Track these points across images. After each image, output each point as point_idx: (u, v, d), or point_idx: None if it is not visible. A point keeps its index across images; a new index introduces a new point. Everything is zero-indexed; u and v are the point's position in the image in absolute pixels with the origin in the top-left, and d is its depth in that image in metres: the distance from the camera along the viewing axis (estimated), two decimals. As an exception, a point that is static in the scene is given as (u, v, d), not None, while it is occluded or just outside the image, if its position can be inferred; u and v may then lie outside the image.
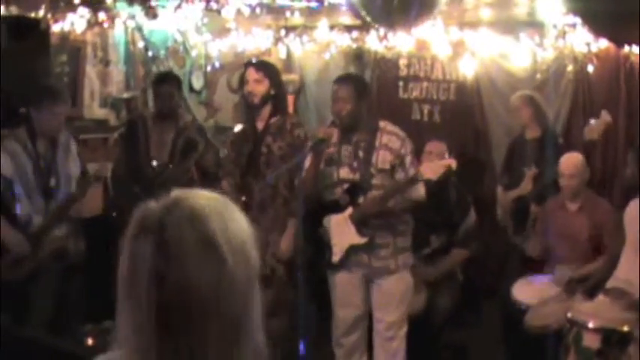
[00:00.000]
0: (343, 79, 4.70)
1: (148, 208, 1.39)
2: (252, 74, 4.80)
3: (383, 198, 4.44)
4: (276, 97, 4.87)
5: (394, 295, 4.59)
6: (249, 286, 1.37)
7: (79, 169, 5.13)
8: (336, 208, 4.55)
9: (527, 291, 4.88)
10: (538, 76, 6.29)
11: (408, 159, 4.51)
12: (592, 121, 5.24)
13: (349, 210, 4.49)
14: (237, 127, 5.31)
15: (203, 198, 1.40)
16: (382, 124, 4.60)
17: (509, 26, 6.09)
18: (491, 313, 5.45)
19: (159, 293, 1.30)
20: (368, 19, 4.56)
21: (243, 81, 4.97)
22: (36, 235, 4.86)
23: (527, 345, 4.60)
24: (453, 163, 4.36)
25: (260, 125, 4.88)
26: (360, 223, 4.48)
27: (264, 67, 4.93)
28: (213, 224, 1.34)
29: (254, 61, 5.28)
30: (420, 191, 4.46)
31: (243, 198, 4.78)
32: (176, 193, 1.41)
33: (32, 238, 4.84)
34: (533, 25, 5.86)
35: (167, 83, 5.59)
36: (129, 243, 1.37)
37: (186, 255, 1.31)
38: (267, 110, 4.86)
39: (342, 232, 4.50)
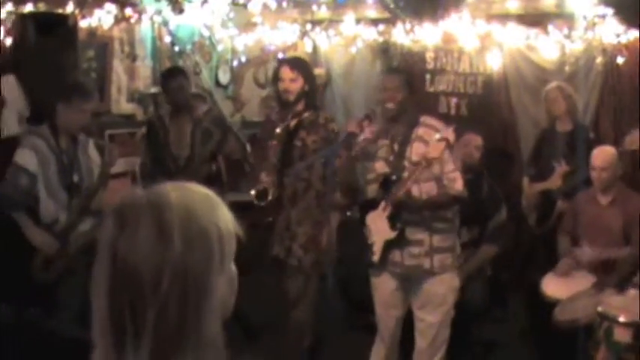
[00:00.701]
0: (392, 70, 4.68)
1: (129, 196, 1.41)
2: (286, 72, 4.81)
3: (404, 181, 4.28)
4: (309, 92, 4.89)
5: (432, 297, 4.36)
6: (204, 280, 1.36)
7: (97, 166, 5.16)
8: (373, 204, 4.45)
9: (556, 285, 4.85)
10: (567, 68, 6.25)
11: (445, 153, 4.37)
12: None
13: (382, 204, 4.37)
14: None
15: (183, 190, 1.42)
16: (423, 118, 4.50)
17: (537, 18, 6.05)
18: (518, 307, 5.42)
19: (112, 268, 1.33)
20: (397, 11, 4.55)
21: (276, 78, 4.97)
22: (62, 233, 4.88)
23: (556, 340, 4.57)
24: (450, 136, 4.25)
25: (293, 120, 4.89)
26: (392, 216, 4.34)
27: (298, 65, 4.94)
28: (172, 213, 1.35)
29: (286, 57, 5.30)
30: (457, 186, 4.32)
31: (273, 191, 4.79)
32: (166, 185, 1.42)
33: (59, 237, 4.86)
34: (562, 16, 5.81)
35: (174, 78, 5.58)
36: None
37: (138, 234, 1.32)
38: (300, 105, 4.87)
39: (378, 228, 4.38)
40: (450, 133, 4.22)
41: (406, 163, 4.32)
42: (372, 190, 4.44)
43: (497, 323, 5.50)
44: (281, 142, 4.89)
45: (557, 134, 5.80)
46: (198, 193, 1.45)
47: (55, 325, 4.67)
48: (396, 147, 4.41)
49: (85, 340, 3.89)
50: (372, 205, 4.40)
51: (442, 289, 4.38)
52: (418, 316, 4.44)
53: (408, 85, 4.49)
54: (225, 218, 1.45)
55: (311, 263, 4.81)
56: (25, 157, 4.73)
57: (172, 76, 5.62)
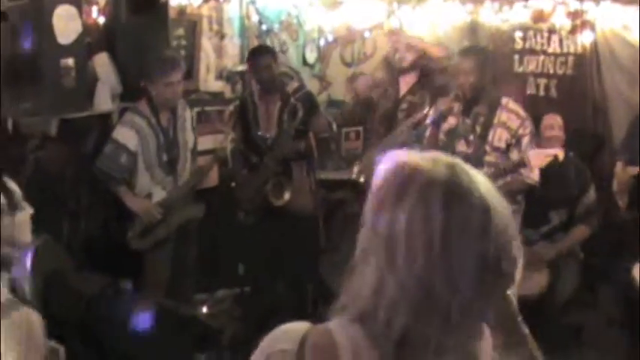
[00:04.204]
0: (466, 52, 4.65)
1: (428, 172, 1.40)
2: None
3: (493, 176, 4.35)
4: None
5: None
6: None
7: (193, 138, 5.27)
8: None
9: (650, 272, 4.73)
10: (663, 48, 6.04)
11: (526, 140, 4.43)
12: None
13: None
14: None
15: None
16: (504, 100, 4.52)
17: (633, -4, 5.87)
18: (608, 293, 5.31)
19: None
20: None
21: None
22: (165, 204, 5.02)
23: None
24: (560, 154, 4.28)
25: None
26: None
27: None
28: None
29: None
30: (533, 175, 4.37)
31: None
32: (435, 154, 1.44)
33: (162, 207, 5.00)
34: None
35: (261, 56, 5.61)
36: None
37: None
38: None
39: None
40: (560, 152, 4.24)
41: (487, 147, 4.35)
42: None
43: (586, 309, 5.41)
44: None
45: (655, 118, 5.63)
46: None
47: (145, 295, 4.82)
48: (478, 128, 4.41)
49: (173, 309, 3.99)
50: None
51: None
52: None
53: (483, 65, 4.47)
54: None
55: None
56: (125, 135, 4.89)
57: (260, 54, 5.65)
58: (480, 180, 1.40)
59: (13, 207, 3.01)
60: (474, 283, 1.33)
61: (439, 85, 6.30)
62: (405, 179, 1.37)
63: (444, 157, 1.41)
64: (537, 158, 4.27)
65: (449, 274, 1.32)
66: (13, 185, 3.06)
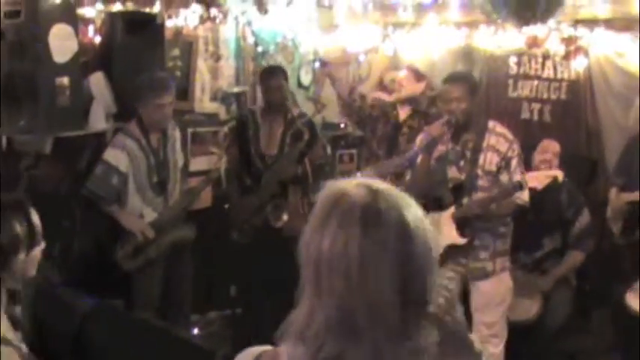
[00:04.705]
0: (455, 78, 4.67)
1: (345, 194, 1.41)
2: None
3: (487, 201, 4.41)
4: None
5: (493, 298, 4.56)
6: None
7: (182, 159, 5.28)
8: (438, 205, 4.52)
9: (644, 298, 4.72)
10: (657, 75, 6.06)
11: (514, 162, 4.46)
12: None
13: (452, 209, 4.47)
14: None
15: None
16: (491, 124, 4.57)
17: (626, 23, 5.90)
18: (602, 319, 5.30)
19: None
20: (494, 15, 4.50)
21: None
22: (158, 224, 5.01)
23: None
24: (560, 175, 4.33)
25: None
26: (462, 224, 4.45)
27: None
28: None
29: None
30: (524, 196, 4.41)
31: None
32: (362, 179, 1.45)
33: (154, 227, 5.00)
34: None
35: (275, 76, 5.64)
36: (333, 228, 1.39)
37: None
38: None
39: (441, 231, 4.47)
40: (560, 173, 4.25)
41: (479, 172, 4.39)
42: (435, 191, 4.52)
43: (580, 335, 5.39)
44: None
45: (647, 144, 5.64)
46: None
47: (136, 315, 4.78)
48: (468, 154, 4.45)
49: (165, 330, 3.94)
50: (437, 205, 4.46)
51: (501, 289, 4.60)
52: (476, 319, 4.51)
53: (472, 91, 4.51)
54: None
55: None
56: (116, 157, 4.89)
57: (273, 74, 5.68)
58: (405, 205, 1.40)
59: (32, 243, 2.93)
60: (395, 309, 1.33)
61: (433, 114, 6.39)
62: (330, 204, 1.40)
63: (372, 183, 1.43)
64: (537, 180, 4.31)
65: (368, 300, 1.33)
66: (36, 219, 2.95)
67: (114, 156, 4.94)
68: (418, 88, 6.57)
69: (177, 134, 5.29)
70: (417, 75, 6.82)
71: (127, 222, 4.96)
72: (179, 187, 5.22)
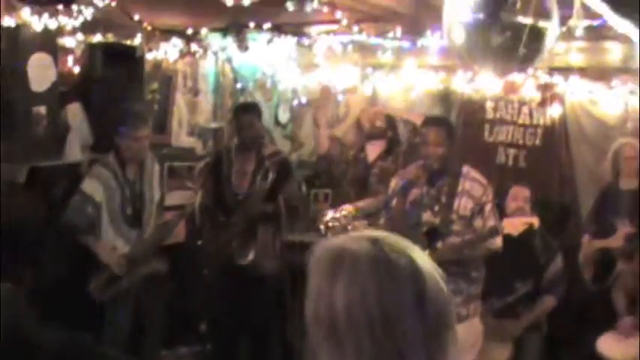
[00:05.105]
0: (434, 122, 4.69)
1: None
2: None
3: (461, 246, 4.40)
4: None
5: (465, 342, 4.49)
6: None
7: (159, 192, 5.24)
8: None
9: (615, 346, 4.73)
10: (629, 124, 6.15)
11: (488, 207, 4.47)
12: None
13: (425, 253, 4.45)
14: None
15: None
16: (465, 169, 4.57)
17: (600, 72, 6.00)
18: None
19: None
20: (469, 62, 4.54)
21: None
22: (131, 257, 4.97)
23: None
24: (536, 222, 4.35)
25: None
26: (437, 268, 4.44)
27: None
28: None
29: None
30: (497, 242, 4.43)
31: None
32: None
33: (128, 259, 4.96)
34: (627, 71, 5.75)
35: (248, 113, 5.62)
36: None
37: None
38: None
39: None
40: (535, 220, 4.30)
41: (453, 217, 4.40)
42: (409, 235, 4.48)
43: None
44: None
45: (620, 192, 5.69)
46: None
47: (105, 350, 4.71)
48: (443, 198, 4.46)
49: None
50: None
51: (473, 332, 4.56)
52: None
53: (450, 136, 4.53)
54: None
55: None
56: (92, 187, 4.86)
57: (246, 111, 5.67)
58: (407, 248, 1.41)
59: None
60: (421, 352, 1.33)
61: (406, 153, 6.43)
62: (334, 261, 1.38)
63: (367, 234, 1.42)
64: (512, 226, 4.32)
65: (397, 349, 1.32)
66: None
67: (90, 186, 4.91)
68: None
69: (157, 169, 5.26)
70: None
71: (103, 254, 4.92)
72: (154, 221, 5.18)
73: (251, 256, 5.39)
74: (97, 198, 4.89)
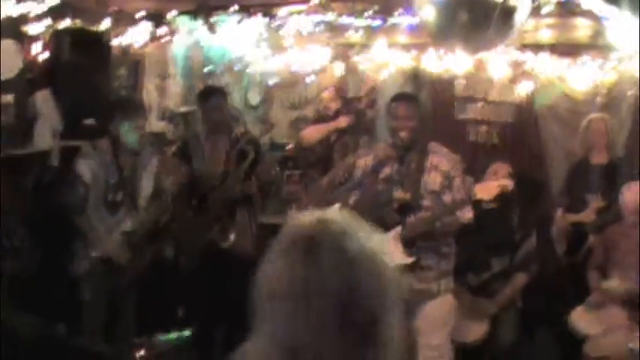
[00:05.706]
0: (405, 97, 4.70)
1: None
2: None
3: (431, 219, 4.40)
4: None
5: (438, 319, 4.51)
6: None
7: (151, 187, 5.16)
8: (384, 226, 4.48)
9: (587, 319, 4.79)
10: (598, 99, 6.20)
11: (457, 181, 4.48)
12: None
13: (397, 229, 4.44)
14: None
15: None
16: (432, 144, 4.58)
17: (570, 48, 6.03)
18: (546, 340, 5.35)
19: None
20: (441, 40, 4.54)
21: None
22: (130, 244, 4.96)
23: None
24: (510, 184, 4.33)
25: None
26: (407, 244, 4.43)
27: None
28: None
29: None
30: (467, 214, 4.42)
31: None
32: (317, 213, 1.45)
33: None
34: (596, 47, 5.78)
35: (213, 96, 5.60)
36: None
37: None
38: None
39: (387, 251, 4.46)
40: (509, 183, 4.30)
41: (422, 192, 4.40)
42: (380, 212, 4.48)
43: (526, 354, 5.43)
44: None
45: (591, 167, 5.75)
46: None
47: (80, 340, 4.68)
48: (412, 174, 4.47)
49: (109, 356, 3.84)
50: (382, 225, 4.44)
51: (446, 309, 4.56)
52: (422, 342, 4.47)
53: (419, 111, 4.55)
54: None
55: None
56: (81, 167, 4.80)
57: (210, 94, 5.63)
58: (350, 234, 1.41)
59: None
60: (336, 342, 1.34)
61: (366, 128, 6.44)
62: (282, 237, 1.42)
63: (327, 214, 1.45)
64: (485, 190, 4.30)
65: (310, 333, 1.33)
66: None
67: (80, 166, 4.86)
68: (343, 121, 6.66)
69: (155, 161, 5.18)
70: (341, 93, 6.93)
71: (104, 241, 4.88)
72: (140, 213, 5.10)
73: (232, 238, 5.38)
74: (86, 179, 4.84)
